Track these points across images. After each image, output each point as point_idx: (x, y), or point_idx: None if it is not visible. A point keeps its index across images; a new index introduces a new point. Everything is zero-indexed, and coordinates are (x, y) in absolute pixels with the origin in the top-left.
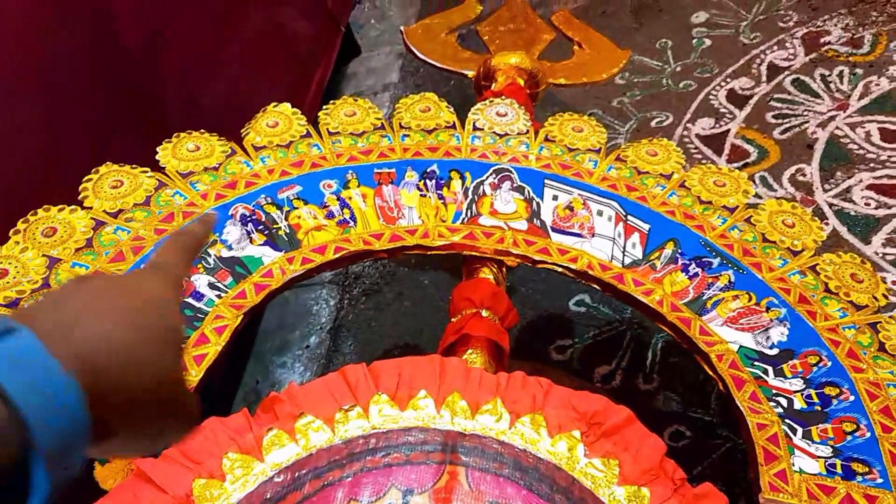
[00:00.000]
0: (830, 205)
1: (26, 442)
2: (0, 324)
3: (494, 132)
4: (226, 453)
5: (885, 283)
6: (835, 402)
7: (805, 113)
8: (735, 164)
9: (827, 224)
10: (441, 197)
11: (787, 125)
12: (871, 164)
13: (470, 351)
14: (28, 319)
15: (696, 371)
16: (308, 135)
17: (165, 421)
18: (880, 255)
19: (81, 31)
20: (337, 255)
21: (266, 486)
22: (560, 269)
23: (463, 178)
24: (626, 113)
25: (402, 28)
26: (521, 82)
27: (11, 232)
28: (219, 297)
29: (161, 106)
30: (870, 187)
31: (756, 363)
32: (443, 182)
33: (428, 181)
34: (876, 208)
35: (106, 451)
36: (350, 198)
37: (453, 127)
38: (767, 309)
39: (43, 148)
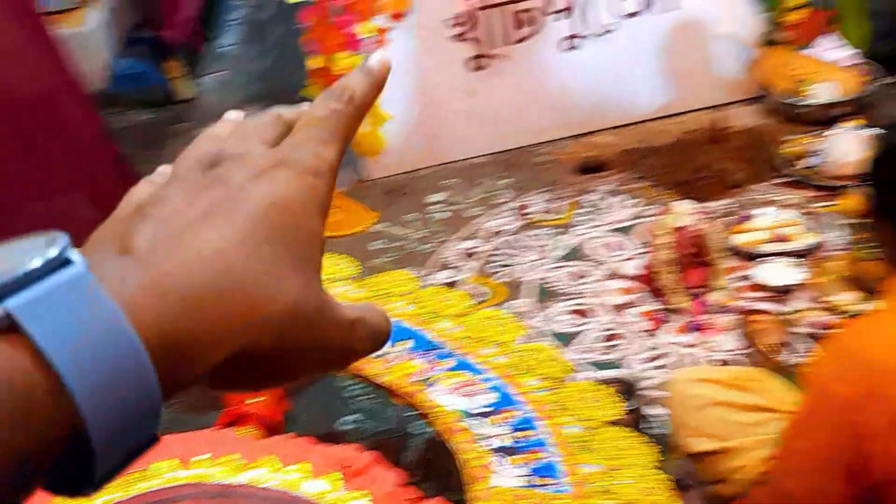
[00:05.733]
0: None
1: (75, 417)
2: (51, 246)
3: None
4: None
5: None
6: (525, 441)
7: (517, 263)
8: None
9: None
10: None
11: (504, 272)
12: (567, 296)
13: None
14: (99, 243)
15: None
16: None
17: (309, 359)
18: (578, 360)
19: None
20: None
21: None
22: None
23: None
24: (383, 270)
25: None
26: None
27: None
28: None
29: None
30: (566, 312)
31: (469, 418)
32: None
33: None
34: (573, 326)
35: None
36: None
37: None
38: (480, 382)
39: None
